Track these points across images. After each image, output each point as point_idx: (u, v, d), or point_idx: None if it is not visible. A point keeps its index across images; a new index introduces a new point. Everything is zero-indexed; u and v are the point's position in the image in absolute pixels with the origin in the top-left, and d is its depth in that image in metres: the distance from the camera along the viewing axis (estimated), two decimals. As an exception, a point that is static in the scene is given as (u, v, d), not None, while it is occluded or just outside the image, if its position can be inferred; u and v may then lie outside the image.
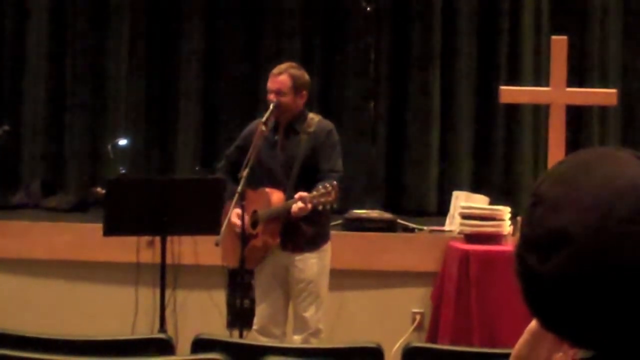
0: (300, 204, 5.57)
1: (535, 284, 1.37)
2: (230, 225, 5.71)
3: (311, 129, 5.85)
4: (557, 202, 1.36)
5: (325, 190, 5.54)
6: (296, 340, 5.81)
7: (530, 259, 1.37)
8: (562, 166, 1.42)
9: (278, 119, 5.88)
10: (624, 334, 1.34)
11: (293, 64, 6.04)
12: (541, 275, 1.35)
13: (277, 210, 5.75)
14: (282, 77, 5.84)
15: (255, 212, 5.84)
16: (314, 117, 5.94)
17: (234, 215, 5.75)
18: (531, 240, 1.38)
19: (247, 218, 5.81)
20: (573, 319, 1.35)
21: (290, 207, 5.63)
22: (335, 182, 5.59)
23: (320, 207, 5.57)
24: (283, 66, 5.94)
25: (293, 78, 5.84)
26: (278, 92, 5.80)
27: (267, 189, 5.82)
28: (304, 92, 5.89)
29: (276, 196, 5.79)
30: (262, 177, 5.88)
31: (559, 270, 1.34)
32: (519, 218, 6.66)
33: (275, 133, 5.91)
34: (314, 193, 5.57)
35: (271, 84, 5.86)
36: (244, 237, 5.73)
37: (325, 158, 5.82)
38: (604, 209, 1.33)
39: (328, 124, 5.94)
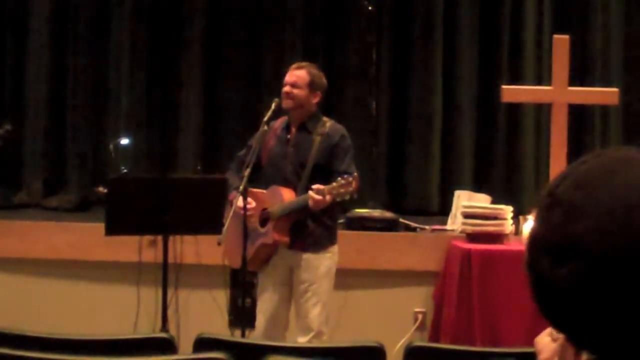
0: (318, 196, 5.47)
1: (546, 287, 1.35)
2: (233, 225, 5.69)
3: (325, 131, 5.82)
4: (575, 208, 1.32)
5: (345, 181, 5.45)
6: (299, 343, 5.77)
7: (543, 262, 1.34)
8: (583, 168, 1.36)
9: (291, 116, 5.86)
10: (628, 338, 1.32)
11: (314, 65, 6.05)
12: (552, 280, 1.33)
13: (292, 204, 5.67)
14: (300, 72, 5.85)
15: (265, 210, 5.81)
16: (327, 121, 5.90)
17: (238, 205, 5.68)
18: (545, 243, 1.35)
19: (256, 217, 5.79)
20: (580, 325, 1.33)
21: (306, 201, 5.53)
22: (355, 174, 5.53)
23: (339, 199, 5.46)
24: (304, 63, 5.98)
25: (311, 75, 5.85)
26: (294, 85, 5.80)
27: (280, 187, 5.77)
28: (319, 93, 5.86)
29: (288, 194, 5.73)
30: (272, 177, 5.85)
31: (571, 278, 1.31)
32: (521, 217, 6.66)
33: (288, 132, 5.90)
34: (333, 184, 5.47)
35: (288, 77, 5.85)
36: (246, 237, 5.72)
37: (339, 160, 5.75)
38: (623, 219, 1.29)
39: (341, 128, 5.91)
